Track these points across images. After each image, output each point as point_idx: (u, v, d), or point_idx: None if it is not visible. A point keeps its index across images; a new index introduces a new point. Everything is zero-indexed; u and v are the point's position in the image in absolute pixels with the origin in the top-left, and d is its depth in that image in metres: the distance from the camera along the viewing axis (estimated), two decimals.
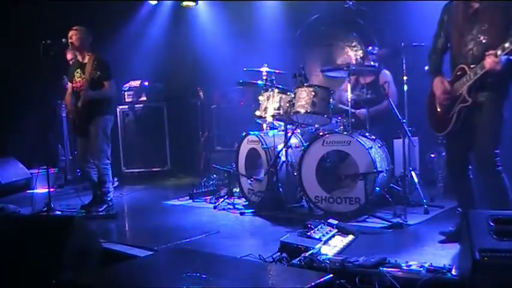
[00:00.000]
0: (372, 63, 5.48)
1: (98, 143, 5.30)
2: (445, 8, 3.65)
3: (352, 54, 6.85)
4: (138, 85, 8.13)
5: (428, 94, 3.75)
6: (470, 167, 3.59)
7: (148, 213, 5.53)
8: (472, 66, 3.36)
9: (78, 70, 5.35)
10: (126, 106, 8.12)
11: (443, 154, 4.71)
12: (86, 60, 5.33)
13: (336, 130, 5.04)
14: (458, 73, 3.47)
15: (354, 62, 5.42)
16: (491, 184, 3.37)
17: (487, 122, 3.37)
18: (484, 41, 3.34)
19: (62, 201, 5.98)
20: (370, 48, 5.70)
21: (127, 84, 8.21)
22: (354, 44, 7.08)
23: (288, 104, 5.07)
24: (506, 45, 3.15)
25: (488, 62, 3.21)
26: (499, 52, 3.18)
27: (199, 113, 7.94)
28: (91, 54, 5.34)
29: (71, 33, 5.30)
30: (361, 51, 5.66)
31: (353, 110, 5.10)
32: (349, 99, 4.99)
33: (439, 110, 3.62)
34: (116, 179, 7.30)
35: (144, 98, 8.15)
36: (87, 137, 5.35)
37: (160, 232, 4.58)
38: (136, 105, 8.09)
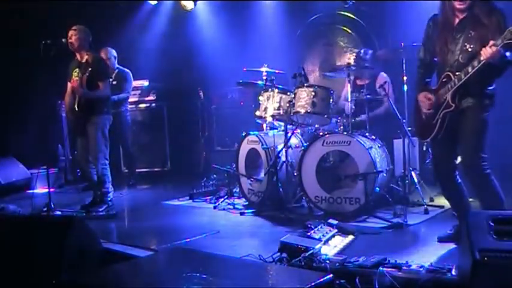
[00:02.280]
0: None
1: (96, 143, 5.30)
2: (430, 21, 3.66)
3: (351, 56, 6.88)
4: (138, 85, 8.13)
5: (414, 102, 3.78)
6: (457, 172, 3.60)
7: (148, 213, 5.53)
8: (457, 73, 3.38)
9: (77, 69, 5.36)
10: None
11: None
12: (84, 60, 5.34)
13: (336, 130, 5.05)
14: (444, 80, 3.50)
15: (352, 63, 5.41)
16: (481, 187, 3.39)
17: (471, 127, 3.39)
18: (470, 49, 3.36)
19: (62, 201, 5.97)
20: (362, 51, 5.68)
21: None
22: (352, 44, 7.10)
23: (288, 104, 5.07)
24: (508, 35, 3.08)
25: (488, 50, 3.15)
26: (498, 42, 3.13)
27: (199, 113, 7.93)
28: (89, 54, 5.35)
29: (70, 33, 5.31)
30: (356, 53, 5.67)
31: (354, 119, 5.10)
32: (349, 100, 4.99)
33: (424, 117, 3.65)
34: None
35: (144, 98, 8.15)
36: (86, 136, 5.36)
37: (160, 232, 4.58)
38: (136, 106, 8.09)
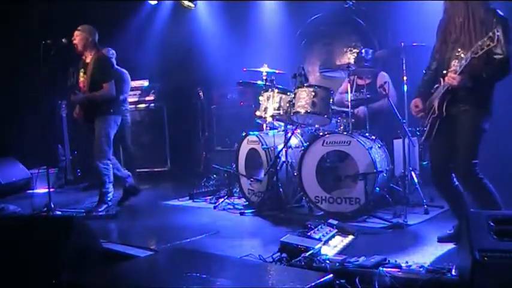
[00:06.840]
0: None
1: (98, 143, 5.30)
2: (438, 26, 3.66)
3: (351, 56, 6.88)
4: (138, 85, 8.13)
5: None
6: (453, 174, 3.59)
7: (148, 213, 5.52)
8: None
9: (82, 70, 5.35)
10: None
11: None
12: (88, 60, 5.33)
13: (336, 130, 5.05)
14: (436, 86, 3.53)
15: (352, 63, 5.42)
16: (476, 193, 3.40)
17: (462, 134, 3.39)
18: (463, 55, 3.34)
19: (62, 201, 5.97)
20: (363, 51, 5.67)
21: None
22: (353, 44, 7.10)
23: (288, 104, 5.08)
24: (463, 61, 3.22)
25: (447, 77, 3.31)
26: (457, 69, 3.25)
27: (199, 113, 7.94)
28: (94, 54, 5.32)
29: (75, 34, 5.29)
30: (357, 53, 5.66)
31: (352, 111, 5.09)
32: (349, 100, 4.99)
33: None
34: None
35: (143, 98, 8.15)
36: (93, 135, 5.36)
37: (160, 232, 4.58)
38: (136, 106, 8.09)
